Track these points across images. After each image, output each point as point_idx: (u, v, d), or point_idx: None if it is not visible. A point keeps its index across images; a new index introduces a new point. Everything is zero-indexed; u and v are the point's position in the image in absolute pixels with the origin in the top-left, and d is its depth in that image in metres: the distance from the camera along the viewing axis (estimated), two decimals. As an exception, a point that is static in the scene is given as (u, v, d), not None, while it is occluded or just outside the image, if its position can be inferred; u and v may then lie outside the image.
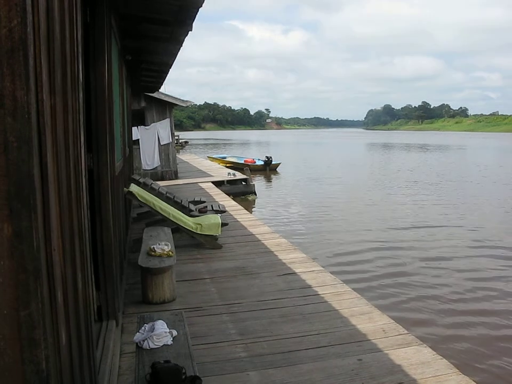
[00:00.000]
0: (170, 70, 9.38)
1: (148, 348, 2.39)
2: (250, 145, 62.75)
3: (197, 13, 4.93)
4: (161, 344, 2.42)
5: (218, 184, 14.82)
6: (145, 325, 2.55)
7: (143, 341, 2.42)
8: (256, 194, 15.80)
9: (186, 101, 16.71)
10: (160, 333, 2.44)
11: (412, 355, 3.64)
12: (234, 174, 16.31)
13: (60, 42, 1.61)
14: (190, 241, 6.98)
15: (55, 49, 1.47)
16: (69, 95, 1.75)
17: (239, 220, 8.87)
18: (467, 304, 6.86)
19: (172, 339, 2.49)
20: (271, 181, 22.43)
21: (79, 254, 1.84)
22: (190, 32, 5.65)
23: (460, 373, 3.38)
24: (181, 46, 6.65)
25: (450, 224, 12.44)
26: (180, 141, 46.62)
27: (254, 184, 15.92)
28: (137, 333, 2.48)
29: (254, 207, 14.74)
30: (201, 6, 4.56)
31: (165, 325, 2.55)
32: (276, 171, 25.50)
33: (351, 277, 7.59)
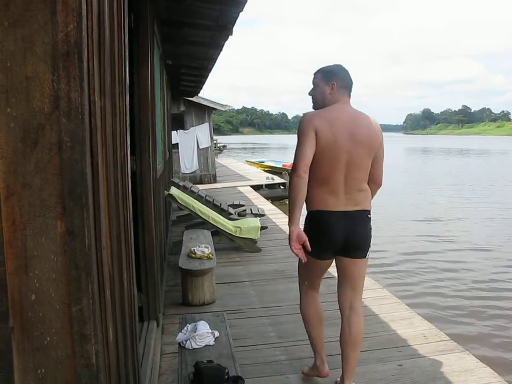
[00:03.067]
0: (209, 74, 9.48)
1: (190, 348, 2.42)
2: (288, 150, 62.53)
3: (237, 18, 4.99)
4: (204, 345, 2.45)
5: (256, 188, 14.86)
6: (187, 325, 2.58)
7: (186, 340, 2.45)
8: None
9: (225, 105, 16.85)
10: (203, 334, 2.47)
11: (454, 362, 3.57)
12: (272, 178, 16.33)
13: (109, 46, 1.65)
14: (229, 244, 7.02)
15: (105, 53, 1.52)
16: (117, 97, 1.80)
17: (277, 223, 8.86)
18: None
19: (214, 340, 2.51)
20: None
21: (124, 254, 1.88)
22: (230, 36, 5.71)
23: (506, 382, 3.30)
24: (221, 50, 6.72)
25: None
26: (218, 145, 46.95)
27: (292, 189, 15.87)
28: (180, 333, 2.51)
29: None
30: (242, 11, 4.60)
31: (207, 325, 2.57)
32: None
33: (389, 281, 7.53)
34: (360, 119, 3.01)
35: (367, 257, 3.09)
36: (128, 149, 2.01)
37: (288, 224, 2.86)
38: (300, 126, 2.96)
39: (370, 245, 3.09)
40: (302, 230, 2.84)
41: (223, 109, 16.92)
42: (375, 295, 5.05)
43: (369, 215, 3.06)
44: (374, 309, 4.66)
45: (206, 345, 2.46)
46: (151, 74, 3.93)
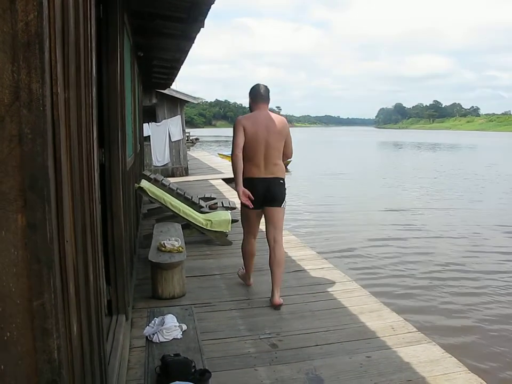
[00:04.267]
0: (181, 67, 9.41)
1: (157, 342, 2.40)
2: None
3: (209, 10, 4.95)
4: (171, 338, 2.44)
5: (228, 181, 14.84)
6: (155, 318, 2.57)
7: (153, 334, 2.44)
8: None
9: (198, 98, 16.77)
10: (170, 327, 2.46)
11: (420, 353, 3.64)
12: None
13: (74, 37, 1.62)
14: (200, 238, 7.01)
15: (69, 44, 1.49)
16: (83, 89, 1.77)
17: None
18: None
19: (181, 333, 2.50)
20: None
21: (90, 247, 1.86)
22: (202, 29, 5.67)
23: (469, 372, 3.37)
24: (193, 43, 6.67)
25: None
26: (191, 137, 46.70)
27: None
28: (147, 327, 2.50)
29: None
30: (214, 3, 4.58)
31: (175, 319, 2.56)
32: (287, 169, 25.49)
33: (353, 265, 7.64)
34: (273, 118, 4.63)
35: (282, 206, 4.69)
36: (94, 141, 1.98)
37: (236, 187, 4.62)
38: (234, 124, 4.63)
39: (285, 199, 4.73)
40: (247, 190, 4.51)
41: (196, 102, 16.83)
42: (344, 288, 5.11)
43: (281, 181, 4.66)
44: (343, 302, 4.71)
45: (174, 338, 2.45)
46: (120, 66, 3.88)
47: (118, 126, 3.80)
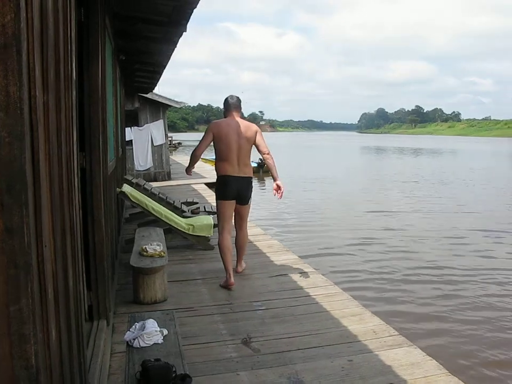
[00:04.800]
0: (164, 70, 9.38)
1: (138, 347, 2.38)
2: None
3: (191, 14, 4.94)
4: (152, 343, 2.42)
5: (211, 185, 14.80)
6: (135, 323, 2.55)
7: (134, 339, 2.42)
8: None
9: (180, 102, 16.72)
10: (151, 332, 2.44)
11: (402, 356, 3.66)
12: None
13: (53, 40, 1.61)
14: (182, 242, 6.98)
15: (48, 47, 1.48)
16: (62, 92, 1.76)
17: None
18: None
19: (162, 338, 2.49)
20: (264, 183, 22.47)
21: (70, 252, 1.85)
22: (184, 33, 5.66)
23: (449, 374, 3.40)
24: (175, 46, 6.66)
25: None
26: (173, 142, 46.53)
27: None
28: (128, 332, 2.48)
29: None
30: (196, 7, 4.57)
31: (156, 323, 2.55)
32: (269, 174, 25.48)
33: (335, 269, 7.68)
34: (242, 124, 5.32)
35: (248, 203, 5.53)
36: (74, 145, 1.97)
37: (187, 168, 5.66)
38: (206, 128, 5.42)
39: (251, 196, 5.53)
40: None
41: (178, 106, 16.79)
42: (326, 292, 5.11)
43: (251, 180, 5.41)
44: (325, 306, 4.72)
45: (154, 343, 2.43)
46: (102, 69, 3.86)
47: (99, 130, 3.77)
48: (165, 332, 2.55)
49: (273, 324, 4.30)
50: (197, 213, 7.77)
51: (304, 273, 5.75)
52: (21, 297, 1.27)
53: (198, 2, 4.47)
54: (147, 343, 2.40)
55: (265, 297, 4.96)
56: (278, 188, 5.46)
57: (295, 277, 5.63)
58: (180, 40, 6.30)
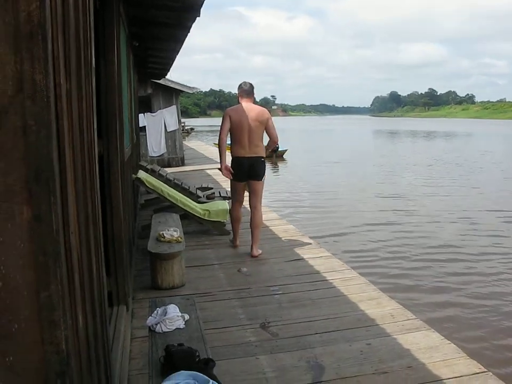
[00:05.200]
0: (177, 56, 9.35)
1: (160, 332, 2.41)
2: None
3: (205, -1, 4.91)
4: (174, 328, 2.44)
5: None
6: (157, 308, 2.57)
7: (156, 324, 2.44)
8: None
9: (193, 87, 16.69)
10: (173, 317, 2.46)
11: (420, 339, 3.66)
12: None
13: (74, 28, 1.61)
14: (198, 228, 7.01)
15: (70, 34, 1.48)
16: (83, 80, 1.76)
17: (246, 206, 8.84)
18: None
19: (184, 323, 2.51)
20: (277, 168, 22.48)
21: (93, 239, 1.86)
22: (198, 18, 5.63)
23: (468, 357, 3.40)
24: (189, 32, 6.61)
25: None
26: (186, 127, 46.53)
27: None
28: (150, 317, 2.50)
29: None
30: (210, -9, 4.54)
31: (177, 309, 2.57)
32: (283, 158, 25.56)
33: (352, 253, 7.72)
34: (254, 109, 5.75)
35: (261, 180, 5.89)
36: (95, 132, 1.97)
37: (220, 163, 5.87)
38: (223, 114, 5.86)
39: (265, 174, 5.93)
40: (229, 165, 5.79)
41: (191, 91, 16.76)
42: (343, 276, 5.12)
43: (262, 159, 5.81)
44: (342, 290, 4.73)
45: (176, 328, 2.45)
46: (117, 57, 3.86)
47: (116, 117, 3.78)
48: (187, 317, 2.57)
49: (291, 308, 4.32)
50: (212, 198, 7.79)
51: (319, 258, 5.76)
52: (51, 284, 1.29)
53: (212, -13, 4.44)
54: (169, 328, 2.42)
55: (282, 281, 4.98)
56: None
57: (312, 261, 5.63)
58: (193, 25, 6.27)
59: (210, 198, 7.81)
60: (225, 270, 5.36)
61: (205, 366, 2.02)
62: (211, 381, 1.82)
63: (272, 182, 17.32)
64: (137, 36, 6.90)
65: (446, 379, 3.12)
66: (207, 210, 6.73)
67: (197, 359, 2.04)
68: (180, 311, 2.57)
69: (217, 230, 6.85)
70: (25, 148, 1.22)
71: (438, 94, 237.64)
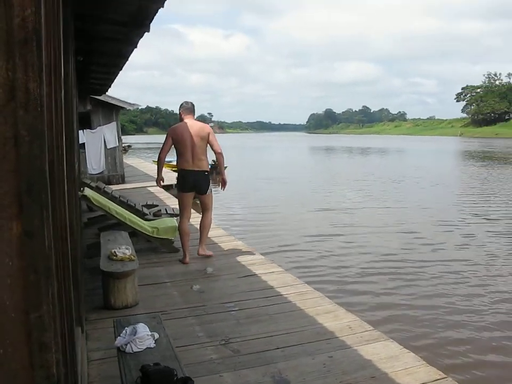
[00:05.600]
0: (120, 72, 9.20)
1: (131, 352, 2.32)
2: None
3: (156, 14, 4.87)
4: (145, 347, 2.36)
5: (167, 188, 14.61)
6: (126, 328, 2.48)
7: (126, 344, 2.35)
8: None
9: (133, 104, 16.47)
10: (143, 336, 2.38)
11: (380, 350, 3.72)
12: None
13: (51, 37, 1.55)
14: (146, 245, 6.87)
15: (56, 43, 1.42)
16: (58, 91, 1.70)
17: (192, 223, 8.76)
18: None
19: (154, 342, 2.44)
20: (219, 185, 22.41)
21: (69, 256, 1.78)
22: (146, 33, 5.56)
23: (428, 365, 3.49)
24: (135, 47, 6.53)
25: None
26: (123, 145, 45.71)
27: (203, 188, 15.80)
28: (119, 337, 2.41)
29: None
30: (163, 6, 4.50)
31: (147, 327, 2.49)
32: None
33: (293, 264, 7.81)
34: (196, 125, 6.17)
35: (207, 193, 6.31)
36: (75, 145, 1.90)
37: (157, 177, 6.51)
38: (166, 134, 6.32)
39: (210, 187, 6.33)
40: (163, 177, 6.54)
41: (132, 108, 16.52)
42: (297, 291, 5.14)
43: (206, 173, 6.21)
44: (298, 304, 4.74)
45: (147, 347, 2.37)
46: (70, 69, 3.75)
47: (68, 131, 3.67)
48: (156, 335, 2.50)
49: (249, 324, 4.29)
50: (159, 216, 7.66)
51: (272, 273, 5.76)
52: (42, 303, 1.22)
53: (164, 1, 4.40)
54: (140, 348, 2.34)
55: (237, 298, 4.94)
56: (223, 182, 6.48)
57: (264, 276, 5.63)
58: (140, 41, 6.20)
59: (157, 215, 7.68)
60: (178, 288, 5.27)
61: (184, 386, 1.96)
62: (196, 400, 1.77)
63: (214, 199, 17.24)
64: (81, 50, 6.74)
65: (409, 387, 3.18)
66: (156, 227, 6.62)
67: (175, 379, 1.98)
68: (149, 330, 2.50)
69: (166, 247, 6.74)
70: (17, 159, 1.16)
71: (372, 111, 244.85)
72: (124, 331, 2.44)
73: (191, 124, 6.14)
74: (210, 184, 6.34)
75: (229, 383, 3.24)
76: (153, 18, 5.04)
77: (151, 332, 2.48)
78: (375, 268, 8.64)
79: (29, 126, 1.15)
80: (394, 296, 7.20)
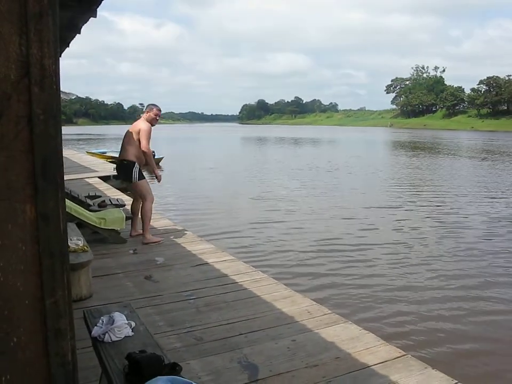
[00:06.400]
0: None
1: (110, 341, 2.27)
2: (126, 140, 61.12)
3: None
4: (123, 336, 2.32)
5: (105, 179, 14.32)
6: (102, 318, 2.42)
7: (103, 334, 2.30)
8: (144, 189, 15.51)
9: (69, 93, 15.98)
10: (121, 325, 2.33)
11: (340, 332, 3.81)
12: (120, 169, 15.83)
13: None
14: (92, 237, 6.66)
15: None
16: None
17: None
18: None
19: (132, 330, 2.40)
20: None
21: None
22: (93, 18, 5.40)
23: (387, 344, 3.62)
24: (78, 33, 6.32)
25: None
26: (53, 136, 44.08)
27: (141, 179, 15.58)
28: (95, 327, 2.34)
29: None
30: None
31: (124, 316, 2.44)
32: (159, 166, 25.26)
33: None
34: (137, 122, 6.66)
35: (132, 181, 6.51)
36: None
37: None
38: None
39: (134, 176, 6.46)
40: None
41: (67, 98, 16.03)
42: (251, 278, 5.17)
43: (125, 162, 6.50)
44: (254, 291, 4.77)
45: (126, 336, 2.33)
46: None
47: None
48: (133, 323, 2.45)
49: (208, 312, 4.28)
50: (104, 206, 7.49)
51: (224, 261, 5.76)
52: (57, 289, 1.18)
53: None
54: (118, 337, 2.29)
55: (192, 286, 4.92)
56: (156, 176, 6.80)
57: (217, 265, 5.63)
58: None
59: (102, 206, 7.51)
60: (131, 279, 5.18)
61: (173, 371, 1.94)
62: (193, 383, 1.76)
63: (153, 190, 17.06)
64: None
65: (373, 365, 3.30)
66: (103, 218, 6.47)
67: (163, 364, 1.96)
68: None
69: (113, 238, 6.60)
70: (30, 139, 1.11)
71: (304, 102, 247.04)
72: (100, 321, 2.39)
73: (136, 122, 6.75)
74: (135, 173, 6.47)
75: (197, 370, 3.23)
76: (100, 2, 4.90)
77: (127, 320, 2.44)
78: (315, 251, 8.98)
79: (45, 105, 1.10)
80: (337, 276, 7.51)
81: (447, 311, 6.16)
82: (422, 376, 3.15)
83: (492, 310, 6.31)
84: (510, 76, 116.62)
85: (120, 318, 2.39)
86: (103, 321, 2.37)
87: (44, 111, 1.10)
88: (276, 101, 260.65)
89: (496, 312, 6.24)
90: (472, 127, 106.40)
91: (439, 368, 3.32)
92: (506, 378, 4.73)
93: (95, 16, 5.24)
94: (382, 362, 3.33)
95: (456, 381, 3.09)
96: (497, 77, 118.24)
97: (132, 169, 6.45)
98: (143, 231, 6.62)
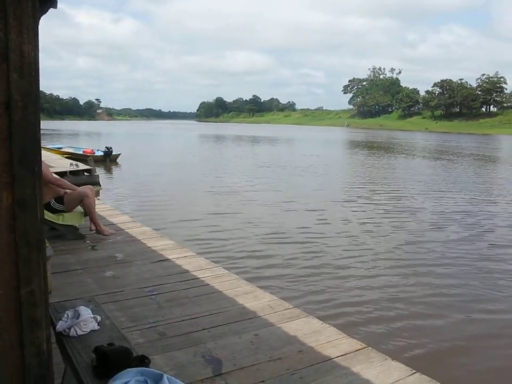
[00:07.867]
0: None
1: (75, 335, 2.25)
2: (81, 136, 60.29)
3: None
4: (89, 330, 2.29)
5: (61, 175, 13.98)
6: (67, 312, 2.39)
7: (69, 328, 2.27)
8: (100, 185, 15.27)
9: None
10: (87, 319, 2.31)
11: (302, 326, 3.87)
12: (77, 165, 15.52)
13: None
14: (49, 233, 6.55)
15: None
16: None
17: (96, 209, 8.51)
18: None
19: (97, 324, 2.38)
20: (112, 172, 21.85)
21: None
22: (53, 9, 5.30)
23: (349, 337, 3.70)
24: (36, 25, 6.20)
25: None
26: (5, 130, 43.00)
27: (98, 175, 15.32)
28: (60, 321, 2.31)
29: (99, 198, 14.34)
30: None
31: (89, 310, 2.42)
32: (116, 162, 24.94)
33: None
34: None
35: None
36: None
37: None
38: None
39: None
40: None
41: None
42: (213, 274, 5.17)
43: None
44: (216, 287, 4.78)
45: (91, 330, 2.31)
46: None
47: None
48: (98, 318, 2.43)
49: (171, 307, 4.26)
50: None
51: (184, 257, 5.76)
52: (33, 278, 1.17)
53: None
54: (84, 331, 2.27)
55: (154, 282, 4.89)
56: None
57: (178, 261, 5.61)
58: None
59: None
60: (91, 275, 5.11)
61: (141, 364, 1.94)
62: (164, 375, 1.76)
63: (111, 186, 16.90)
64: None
65: (335, 357, 3.36)
66: (61, 214, 6.35)
67: (131, 357, 1.95)
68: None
69: (71, 234, 6.49)
70: (9, 126, 1.10)
71: (262, 101, 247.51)
72: (65, 315, 2.36)
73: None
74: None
75: (161, 365, 3.21)
76: (61, -7, 4.80)
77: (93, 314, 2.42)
78: (273, 243, 9.31)
79: (23, 91, 1.09)
80: (296, 268, 7.79)
81: (403, 303, 6.48)
82: (383, 367, 3.23)
83: (445, 298, 6.77)
84: (463, 79, 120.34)
85: (85, 312, 2.37)
86: (68, 316, 2.35)
87: (22, 98, 1.09)
88: (234, 99, 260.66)
89: (447, 295, 6.85)
90: (427, 128, 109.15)
91: (398, 359, 3.42)
92: (457, 363, 4.99)
93: (55, 7, 5.15)
94: (344, 354, 3.40)
95: (415, 371, 3.18)
96: (450, 80, 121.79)
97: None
98: (95, 225, 6.62)
